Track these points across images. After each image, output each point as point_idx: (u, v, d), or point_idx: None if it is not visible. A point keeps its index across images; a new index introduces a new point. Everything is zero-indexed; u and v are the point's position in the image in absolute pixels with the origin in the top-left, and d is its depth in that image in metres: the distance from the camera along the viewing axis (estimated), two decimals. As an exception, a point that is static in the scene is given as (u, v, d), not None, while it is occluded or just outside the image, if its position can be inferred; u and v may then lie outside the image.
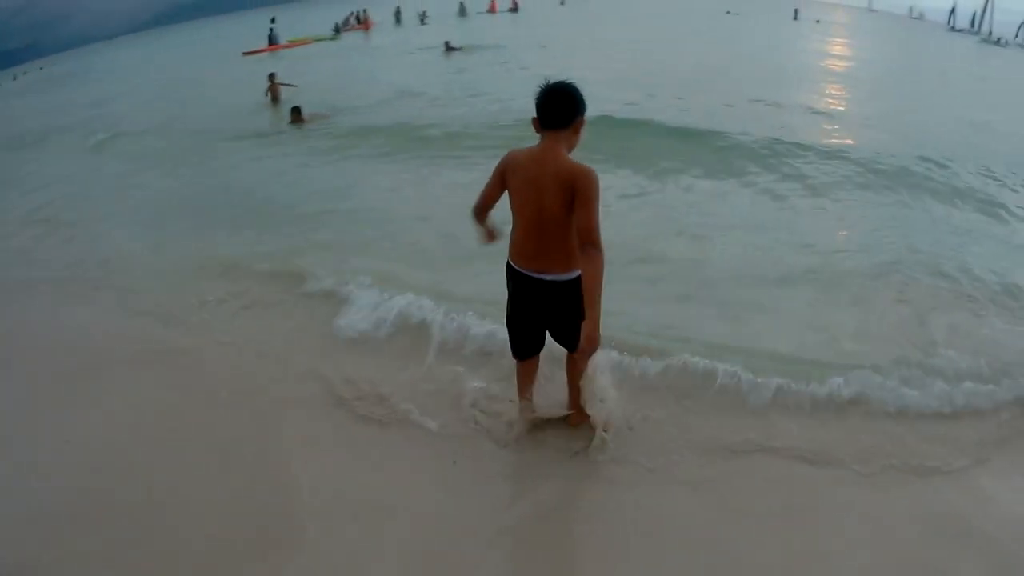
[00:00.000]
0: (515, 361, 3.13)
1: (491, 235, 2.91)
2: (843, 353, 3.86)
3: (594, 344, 2.48)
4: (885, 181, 7.38)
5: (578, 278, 2.57)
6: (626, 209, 6.07)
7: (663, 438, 3.11)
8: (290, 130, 10.55)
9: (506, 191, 2.73)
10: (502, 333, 3.24)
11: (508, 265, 2.81)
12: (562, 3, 43.40)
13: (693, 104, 11.30)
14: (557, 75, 2.67)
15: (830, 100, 13.50)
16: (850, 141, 9.44)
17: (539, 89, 2.60)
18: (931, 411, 3.30)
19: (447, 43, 19.44)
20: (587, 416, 3.04)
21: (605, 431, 3.02)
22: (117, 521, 2.76)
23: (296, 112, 10.73)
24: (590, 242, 2.43)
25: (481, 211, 2.83)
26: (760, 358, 3.65)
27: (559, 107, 2.57)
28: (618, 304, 3.53)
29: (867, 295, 4.62)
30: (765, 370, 3.49)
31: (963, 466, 2.99)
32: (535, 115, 2.60)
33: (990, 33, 61.91)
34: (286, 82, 13.04)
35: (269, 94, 12.74)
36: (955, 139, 10.05)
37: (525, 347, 3.03)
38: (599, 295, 2.41)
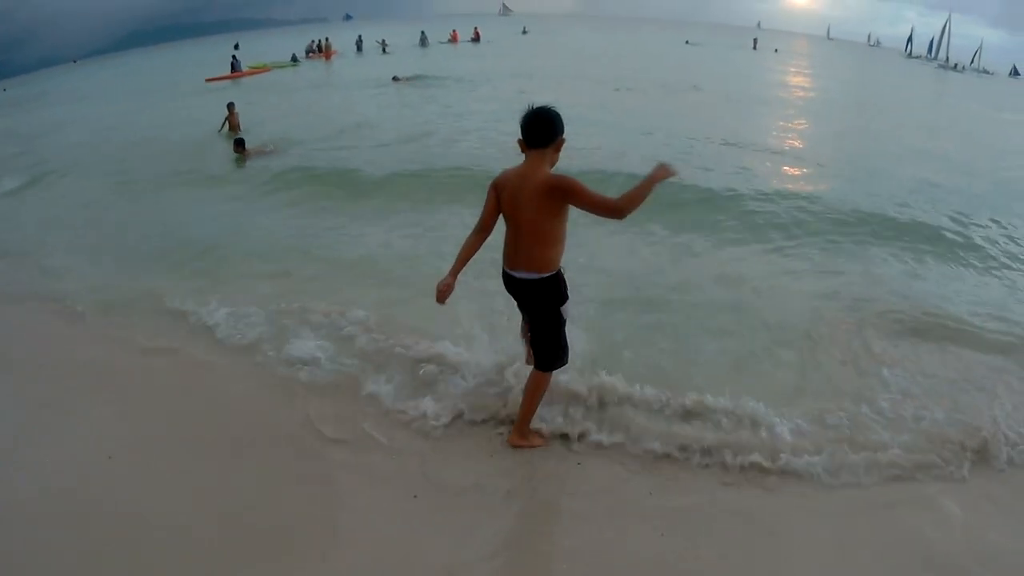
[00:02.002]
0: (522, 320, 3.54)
1: (448, 286, 2.98)
2: (801, 385, 3.94)
3: (667, 169, 2.91)
4: (839, 224, 7.23)
5: (547, 278, 3.01)
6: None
7: (624, 471, 3.14)
8: (235, 164, 10.36)
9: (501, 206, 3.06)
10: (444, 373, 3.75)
11: (503, 271, 3.16)
12: (524, 32, 44.09)
13: (641, 147, 11.07)
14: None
15: (787, 137, 13.49)
16: (805, 185, 9.36)
17: (523, 113, 2.95)
18: (892, 441, 3.33)
19: (395, 76, 20.17)
20: (527, 441, 3.26)
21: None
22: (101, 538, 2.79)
23: (240, 145, 10.60)
24: (611, 209, 2.80)
25: (480, 230, 3.08)
26: (722, 393, 3.64)
27: (541, 129, 2.93)
28: (585, 346, 3.83)
29: (819, 333, 4.61)
30: (726, 405, 3.51)
31: (926, 493, 3.07)
32: (520, 137, 2.96)
33: (947, 59, 64.03)
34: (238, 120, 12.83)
35: (227, 124, 12.53)
36: (912, 175, 10.05)
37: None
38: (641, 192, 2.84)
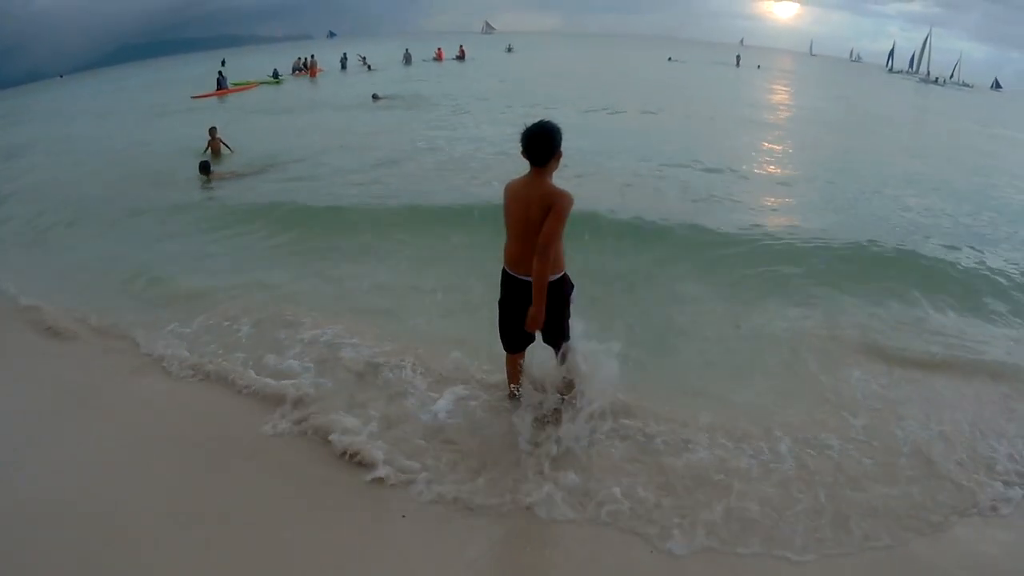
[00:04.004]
0: (505, 354, 3.68)
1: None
2: (789, 407, 3.93)
3: (536, 323, 3.20)
4: (822, 249, 7.05)
5: (557, 281, 3.23)
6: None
7: (615, 501, 3.10)
8: (202, 188, 10.26)
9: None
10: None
11: (502, 271, 3.38)
12: (509, 50, 44.42)
13: (624, 163, 10.96)
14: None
15: (768, 160, 13.33)
16: (785, 211, 9.26)
17: (523, 130, 3.16)
18: (885, 462, 3.39)
19: (374, 95, 20.26)
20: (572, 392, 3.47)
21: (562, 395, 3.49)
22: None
23: (205, 168, 10.55)
24: (544, 247, 3.08)
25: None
26: (714, 426, 3.68)
27: (540, 149, 3.14)
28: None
29: (803, 359, 4.60)
30: (720, 437, 3.56)
31: (921, 508, 3.10)
32: (522, 150, 3.17)
33: (928, 73, 65.12)
34: (226, 142, 12.67)
35: (209, 149, 12.33)
36: (894, 198, 10.01)
37: (511, 343, 3.56)
38: (542, 288, 3.13)
